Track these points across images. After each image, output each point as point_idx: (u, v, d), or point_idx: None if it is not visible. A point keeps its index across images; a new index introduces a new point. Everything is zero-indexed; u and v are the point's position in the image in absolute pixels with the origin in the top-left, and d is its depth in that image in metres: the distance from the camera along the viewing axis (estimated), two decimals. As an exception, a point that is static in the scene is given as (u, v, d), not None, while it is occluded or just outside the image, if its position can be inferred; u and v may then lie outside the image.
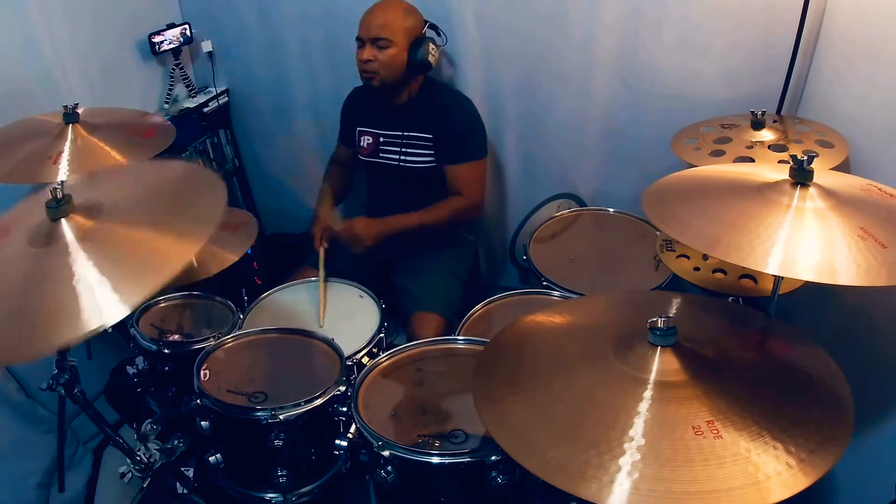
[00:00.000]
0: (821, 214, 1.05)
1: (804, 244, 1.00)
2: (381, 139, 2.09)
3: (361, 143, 2.14)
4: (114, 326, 1.77)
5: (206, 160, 2.53)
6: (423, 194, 2.03)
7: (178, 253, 1.07)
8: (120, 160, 1.64)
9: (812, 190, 1.09)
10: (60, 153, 1.59)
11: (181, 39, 2.39)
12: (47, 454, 1.87)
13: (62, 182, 1.14)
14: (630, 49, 2.04)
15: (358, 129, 2.14)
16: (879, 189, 1.17)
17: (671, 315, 1.05)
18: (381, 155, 2.10)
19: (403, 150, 2.04)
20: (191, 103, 2.48)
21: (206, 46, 2.51)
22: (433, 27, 2.04)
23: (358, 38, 1.95)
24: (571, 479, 0.87)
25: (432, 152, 2.03)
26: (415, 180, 2.06)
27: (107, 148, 1.65)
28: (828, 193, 1.09)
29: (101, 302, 0.98)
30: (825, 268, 0.96)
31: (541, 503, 1.26)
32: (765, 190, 1.12)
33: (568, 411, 0.99)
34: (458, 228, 2.21)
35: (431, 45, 1.97)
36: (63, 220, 1.13)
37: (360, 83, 2.08)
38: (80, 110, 1.68)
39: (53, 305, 1.00)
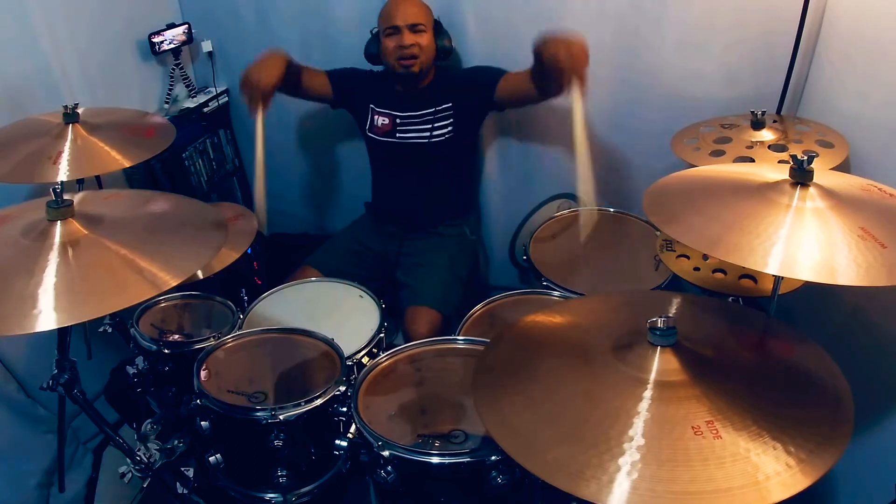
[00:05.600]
0: (821, 214, 1.05)
1: (804, 244, 1.00)
2: (398, 120, 2.12)
3: (376, 123, 2.16)
4: (114, 326, 1.80)
5: (206, 160, 2.53)
6: (443, 167, 2.17)
7: (150, 284, 1.07)
8: (120, 160, 1.64)
9: (812, 190, 1.09)
10: (60, 153, 1.59)
11: (181, 39, 2.39)
12: (47, 454, 1.87)
13: (61, 183, 1.14)
14: (630, 49, 2.04)
15: (371, 106, 2.16)
16: (879, 189, 1.17)
17: (671, 315, 1.05)
18: (398, 135, 2.13)
19: (435, 125, 2.10)
20: (191, 103, 2.47)
21: (206, 46, 2.51)
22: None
23: (391, 28, 2.00)
24: (571, 479, 0.87)
25: (452, 121, 2.10)
26: (438, 153, 2.13)
27: (107, 148, 1.65)
28: (828, 193, 1.08)
29: (38, 309, 0.98)
30: (825, 268, 0.96)
31: (541, 503, 1.26)
32: (765, 190, 1.12)
33: (568, 411, 0.99)
34: (461, 227, 2.22)
35: (447, 33, 2.09)
36: (59, 222, 1.14)
37: None
38: (80, 110, 1.69)
39: (5, 296, 1.01)
